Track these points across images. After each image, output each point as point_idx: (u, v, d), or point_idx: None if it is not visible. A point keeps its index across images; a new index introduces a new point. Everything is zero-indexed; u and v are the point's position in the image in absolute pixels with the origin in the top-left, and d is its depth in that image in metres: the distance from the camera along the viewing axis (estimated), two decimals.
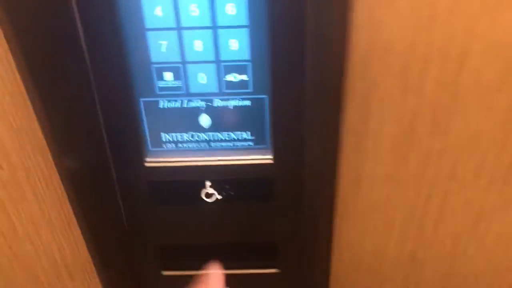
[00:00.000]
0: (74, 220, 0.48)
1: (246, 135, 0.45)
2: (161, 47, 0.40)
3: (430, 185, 0.43)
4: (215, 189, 0.46)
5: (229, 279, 0.42)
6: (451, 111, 0.37)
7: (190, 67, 0.41)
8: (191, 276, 0.40)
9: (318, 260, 0.50)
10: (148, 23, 0.39)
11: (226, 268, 0.41)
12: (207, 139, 0.45)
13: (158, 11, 0.38)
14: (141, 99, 0.42)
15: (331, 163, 0.42)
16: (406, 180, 0.43)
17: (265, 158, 0.45)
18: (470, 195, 0.43)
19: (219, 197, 0.47)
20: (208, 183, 0.46)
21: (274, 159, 0.45)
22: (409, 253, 0.50)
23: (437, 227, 0.47)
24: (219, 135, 0.45)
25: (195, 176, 0.46)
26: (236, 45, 0.40)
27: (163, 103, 0.43)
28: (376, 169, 0.42)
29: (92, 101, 0.42)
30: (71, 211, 0.47)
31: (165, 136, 0.45)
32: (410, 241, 0.48)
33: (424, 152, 0.40)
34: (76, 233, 0.49)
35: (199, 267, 0.41)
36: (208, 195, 0.47)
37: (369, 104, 0.38)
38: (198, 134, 0.45)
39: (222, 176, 0.46)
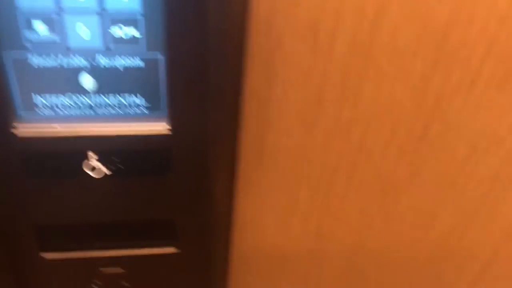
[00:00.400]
0: None
1: (138, 100, 0.39)
2: None
3: (337, 157, 0.41)
4: (101, 162, 0.41)
5: (124, 260, 0.37)
6: (363, 76, 0.35)
7: (67, 17, 0.34)
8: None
9: (218, 238, 0.46)
10: None
11: (117, 248, 0.36)
12: (91, 104, 0.39)
13: None
14: (6, 52, 0.35)
15: (232, 133, 0.38)
16: (312, 151, 0.41)
17: (160, 126, 0.40)
18: (379, 167, 0.42)
19: (107, 171, 0.41)
20: (92, 155, 0.40)
21: (171, 127, 0.40)
22: (314, 229, 0.48)
23: (343, 201, 0.45)
24: (106, 100, 0.39)
25: (76, 147, 0.39)
26: None
27: (34, 59, 0.36)
28: (280, 140, 0.39)
29: None
30: None
31: (37, 99, 0.37)
32: (315, 216, 0.47)
33: (332, 121, 0.38)
34: None
35: (84, 248, 0.36)
36: (92, 169, 0.41)
37: (273, 66, 0.34)
38: (80, 97, 0.38)
39: (109, 148, 0.40)
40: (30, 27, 0.34)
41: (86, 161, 0.40)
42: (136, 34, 0.36)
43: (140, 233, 0.48)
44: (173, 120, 0.39)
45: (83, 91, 0.38)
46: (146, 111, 0.40)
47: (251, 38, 0.33)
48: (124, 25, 0.35)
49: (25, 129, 0.38)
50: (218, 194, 0.43)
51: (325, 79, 0.34)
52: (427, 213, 0.47)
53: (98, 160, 0.40)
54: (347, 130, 0.38)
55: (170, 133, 0.40)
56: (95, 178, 0.41)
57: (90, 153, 0.40)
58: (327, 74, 0.34)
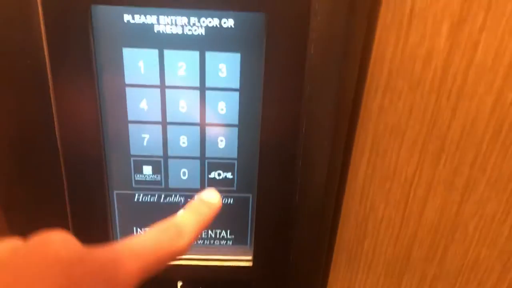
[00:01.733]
0: None
1: (225, 233, 0.42)
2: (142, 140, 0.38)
3: None
4: None
5: None
6: (449, 238, 0.36)
7: (172, 162, 0.39)
8: None
9: None
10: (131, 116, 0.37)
11: None
12: None
13: (143, 104, 0.36)
14: (115, 192, 0.39)
15: (320, 278, 0.39)
16: None
17: (244, 259, 0.42)
18: None
19: None
20: (179, 283, 0.43)
21: (253, 261, 0.42)
22: None
23: None
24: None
25: (166, 275, 0.42)
26: (223, 143, 0.38)
27: (138, 196, 0.40)
28: None
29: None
30: None
31: (138, 231, 0.41)
32: None
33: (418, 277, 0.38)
34: None
35: None
36: None
37: (365, 227, 0.36)
38: None
39: (195, 276, 0.42)
40: (140, 171, 0.39)
41: None
42: (230, 176, 0.39)
43: None
44: (256, 254, 0.41)
45: None
46: (231, 243, 0.42)
47: (346, 202, 0.35)
48: (221, 170, 0.39)
49: None
50: None
51: (414, 240, 0.36)
52: None
53: (182, 287, 0.43)
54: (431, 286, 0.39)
55: (251, 264, 0.42)
56: None
57: (179, 282, 0.42)
58: (417, 235, 0.36)
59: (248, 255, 0.42)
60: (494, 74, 0.31)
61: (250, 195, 0.40)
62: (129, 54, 0.35)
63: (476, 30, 0.29)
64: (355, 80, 0.30)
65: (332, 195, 0.35)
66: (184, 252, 0.27)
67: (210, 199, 0.32)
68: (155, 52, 0.35)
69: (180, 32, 0.34)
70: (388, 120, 0.33)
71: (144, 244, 0.25)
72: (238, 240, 0.42)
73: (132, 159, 0.39)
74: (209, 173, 0.39)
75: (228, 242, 0.42)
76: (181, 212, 0.29)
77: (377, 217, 0.36)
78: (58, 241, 0.22)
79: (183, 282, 0.42)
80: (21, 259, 0.21)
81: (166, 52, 0.35)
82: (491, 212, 0.35)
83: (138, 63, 0.35)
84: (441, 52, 0.30)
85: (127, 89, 0.36)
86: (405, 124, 0.33)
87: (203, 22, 0.34)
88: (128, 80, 0.36)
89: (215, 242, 0.42)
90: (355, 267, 0.38)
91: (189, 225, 0.28)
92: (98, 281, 0.22)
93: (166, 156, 0.39)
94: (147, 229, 0.27)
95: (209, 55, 0.35)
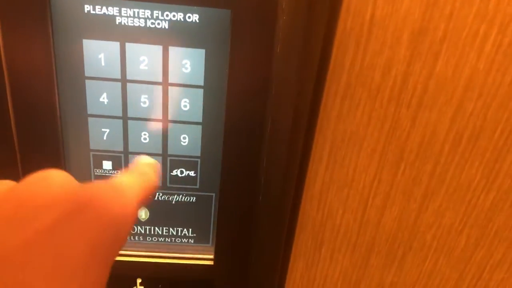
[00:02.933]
0: None
1: (187, 232, 0.41)
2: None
3: None
4: (146, 287, 0.42)
5: None
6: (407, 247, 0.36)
7: (133, 158, 0.38)
8: None
9: None
10: (91, 109, 0.36)
11: None
12: (143, 232, 0.41)
13: (103, 98, 0.35)
14: None
15: (276, 282, 0.39)
16: None
17: (206, 258, 0.42)
18: None
19: None
20: (138, 280, 0.42)
21: (215, 260, 0.41)
22: None
23: None
24: (157, 230, 0.41)
25: (125, 272, 0.42)
26: (187, 140, 0.37)
27: None
28: None
29: None
30: None
31: None
32: None
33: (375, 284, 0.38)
34: None
35: None
36: None
37: (323, 234, 0.35)
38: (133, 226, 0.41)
39: (155, 274, 0.42)
40: (100, 166, 0.38)
41: (133, 286, 0.42)
42: (192, 174, 0.39)
43: None
44: (218, 253, 0.41)
45: (137, 221, 0.40)
46: (193, 242, 0.42)
47: (304, 208, 0.35)
48: (183, 168, 0.38)
49: None
50: None
51: (371, 248, 0.36)
52: None
53: (141, 284, 0.42)
54: None
55: (213, 263, 0.41)
56: None
57: (138, 279, 0.42)
58: (374, 243, 0.35)
59: (210, 254, 0.42)
60: (454, 85, 0.30)
61: (213, 194, 0.40)
62: (89, 46, 0.34)
63: (437, 41, 0.29)
64: (313, 84, 0.30)
65: (289, 199, 0.34)
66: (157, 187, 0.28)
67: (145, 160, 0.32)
68: (116, 45, 0.34)
69: (142, 25, 0.33)
70: (347, 128, 0.32)
71: (133, 180, 0.25)
72: (200, 238, 0.42)
73: (91, 153, 0.38)
74: (171, 170, 0.39)
75: (190, 240, 0.42)
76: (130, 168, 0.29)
77: (334, 224, 0.36)
78: (58, 175, 0.22)
79: (142, 279, 0.42)
80: (23, 190, 0.21)
81: (128, 45, 0.34)
82: (449, 222, 0.35)
83: (98, 56, 0.34)
84: (401, 61, 0.29)
85: (87, 82, 0.35)
86: (363, 132, 0.32)
87: (167, 16, 0.33)
88: (88, 72, 0.35)
89: (177, 240, 0.42)
90: (312, 272, 0.38)
91: (148, 172, 0.28)
92: (106, 207, 0.21)
93: (126, 152, 0.38)
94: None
95: (172, 50, 0.34)
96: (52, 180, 0.21)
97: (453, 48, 0.29)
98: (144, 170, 0.29)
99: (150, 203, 0.27)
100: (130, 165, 0.32)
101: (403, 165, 0.33)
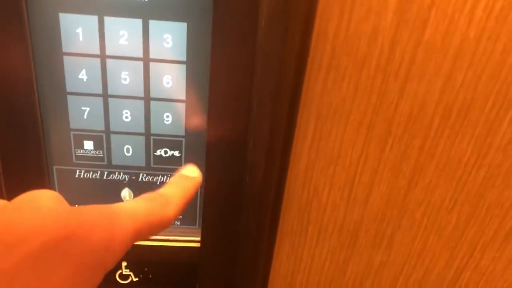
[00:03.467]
0: None
1: None
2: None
3: None
4: (131, 270, 0.41)
5: None
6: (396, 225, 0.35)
7: (114, 137, 0.37)
8: None
9: None
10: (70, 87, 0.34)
11: None
12: None
13: (82, 74, 0.34)
14: (55, 167, 0.38)
15: (260, 266, 0.38)
16: None
17: (192, 240, 0.41)
18: None
19: (135, 279, 0.42)
20: (123, 263, 0.41)
21: (202, 242, 0.40)
22: None
23: None
24: None
25: None
26: (170, 119, 0.36)
27: (80, 173, 0.38)
28: (311, 278, 0.39)
29: None
30: None
31: None
32: None
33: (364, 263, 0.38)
34: None
35: None
36: (123, 277, 0.42)
37: (309, 213, 0.34)
38: None
39: (141, 257, 0.41)
40: (81, 146, 0.37)
41: (118, 269, 0.41)
42: (177, 154, 0.38)
43: None
44: (204, 235, 0.40)
45: (119, 199, 0.39)
46: (179, 224, 0.41)
47: (289, 186, 0.33)
48: (167, 148, 0.37)
49: None
50: None
51: (359, 226, 0.35)
52: None
53: (127, 267, 0.41)
54: (377, 272, 0.38)
55: (199, 245, 0.40)
56: (120, 283, 0.42)
57: (123, 261, 0.41)
58: (362, 221, 0.34)
59: (197, 236, 0.41)
60: (443, 54, 0.29)
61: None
62: (66, 20, 0.32)
63: (425, 7, 0.27)
64: (295, 55, 0.28)
65: (273, 178, 0.33)
66: (171, 221, 0.27)
67: (191, 173, 0.32)
68: (94, 19, 0.33)
69: None
70: (332, 101, 0.31)
71: (137, 207, 0.25)
72: (187, 220, 0.41)
73: (72, 133, 0.37)
74: (155, 150, 0.38)
75: (176, 222, 0.41)
76: (164, 186, 0.29)
77: (321, 203, 0.34)
78: (48, 197, 0.22)
79: (128, 263, 0.41)
80: (12, 212, 0.20)
81: (107, 19, 0.33)
82: (439, 198, 0.34)
83: (76, 30, 0.33)
84: (388, 29, 0.28)
85: (65, 58, 0.34)
86: (349, 105, 0.31)
87: None
88: (65, 48, 0.33)
89: None
90: (299, 253, 0.37)
91: (175, 195, 0.28)
92: (95, 234, 0.21)
93: (108, 131, 0.37)
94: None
95: (153, 24, 0.33)
96: (42, 203, 0.21)
97: (442, 14, 0.27)
98: (184, 184, 0.30)
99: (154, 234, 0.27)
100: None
101: (391, 139, 0.32)
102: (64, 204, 0.22)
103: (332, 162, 0.33)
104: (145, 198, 0.27)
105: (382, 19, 0.28)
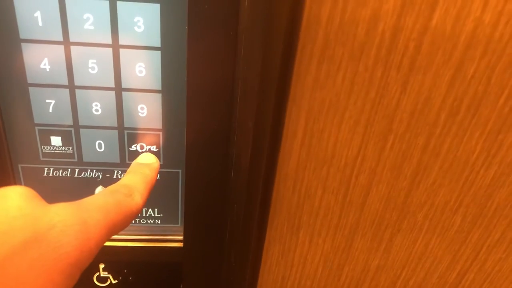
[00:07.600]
0: None
1: (152, 212, 0.37)
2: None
3: None
4: (109, 272, 0.39)
5: None
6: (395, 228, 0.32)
7: (84, 132, 0.33)
8: None
9: None
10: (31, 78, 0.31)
11: None
12: None
13: (45, 64, 0.30)
14: (20, 165, 0.34)
15: (250, 269, 0.35)
16: None
17: (174, 239, 0.38)
18: None
19: (114, 281, 0.39)
20: (101, 265, 0.38)
21: (184, 241, 0.38)
22: None
23: None
24: None
25: None
26: (145, 111, 0.33)
27: (48, 171, 0.34)
28: (303, 283, 0.36)
29: None
30: None
31: None
32: None
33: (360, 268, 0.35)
34: None
35: None
36: (101, 279, 0.39)
37: (300, 217, 0.31)
38: None
39: (119, 258, 0.38)
40: (48, 142, 0.33)
41: (96, 272, 0.38)
42: (154, 149, 0.34)
43: None
44: (187, 233, 0.37)
45: None
46: (160, 222, 0.38)
47: (278, 188, 0.30)
48: (143, 142, 0.34)
49: None
50: None
51: (355, 230, 0.32)
52: None
53: (104, 269, 0.39)
54: (374, 277, 0.35)
55: (182, 245, 0.38)
56: (98, 285, 0.39)
57: (101, 264, 0.38)
58: (359, 225, 0.31)
59: (179, 235, 0.38)
60: (453, 42, 0.25)
61: (180, 170, 0.36)
62: (22, 2, 0.28)
63: None
64: (282, 43, 0.25)
65: (259, 178, 0.30)
66: (140, 209, 0.27)
67: (147, 160, 0.31)
68: (54, 1, 0.29)
69: None
70: (325, 96, 0.27)
71: (106, 201, 0.24)
72: (168, 219, 0.38)
73: (36, 128, 0.33)
74: (130, 145, 0.34)
75: (157, 221, 0.38)
76: (124, 176, 0.29)
77: (313, 206, 0.31)
78: (19, 194, 0.21)
79: (105, 264, 0.38)
80: None
81: (68, 1, 0.29)
82: (443, 200, 0.31)
83: (34, 14, 0.29)
84: (390, 14, 0.24)
85: (23, 45, 0.30)
86: (345, 100, 0.27)
87: None
88: (23, 34, 0.29)
89: (142, 221, 0.38)
90: (289, 258, 0.35)
91: (137, 183, 0.28)
92: (67, 235, 0.20)
93: (77, 126, 0.33)
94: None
95: (121, 5, 0.29)
96: (10, 204, 0.20)
97: None
98: (143, 171, 0.29)
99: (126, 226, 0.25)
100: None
101: (391, 138, 0.29)
102: (35, 201, 0.22)
103: (325, 162, 0.30)
104: (110, 191, 0.26)
105: (384, 2, 0.24)
